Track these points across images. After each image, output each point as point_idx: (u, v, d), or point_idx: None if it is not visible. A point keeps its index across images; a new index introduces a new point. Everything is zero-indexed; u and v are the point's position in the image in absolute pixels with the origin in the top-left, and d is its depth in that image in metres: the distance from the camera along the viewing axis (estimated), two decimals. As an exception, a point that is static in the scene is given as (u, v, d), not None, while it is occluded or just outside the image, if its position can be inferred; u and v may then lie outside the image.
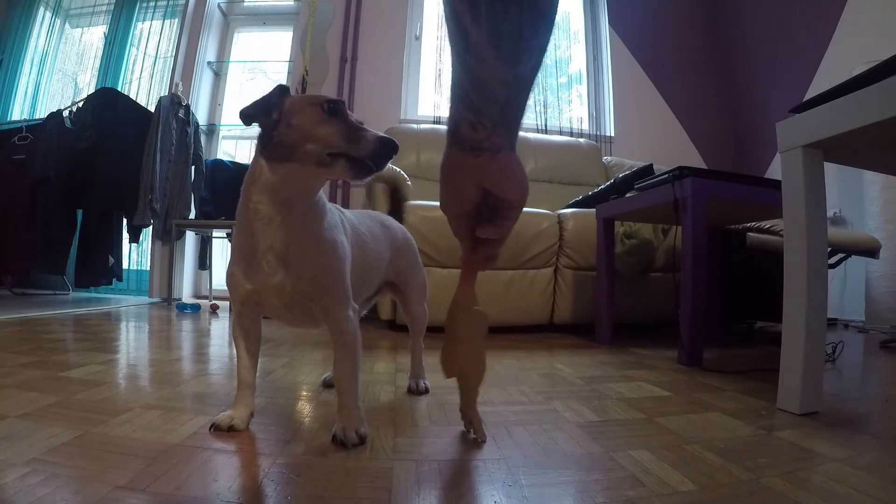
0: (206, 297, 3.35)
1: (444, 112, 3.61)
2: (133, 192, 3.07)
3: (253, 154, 0.68)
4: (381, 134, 0.61)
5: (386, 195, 2.24)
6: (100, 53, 3.81)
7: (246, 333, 0.75)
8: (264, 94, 0.65)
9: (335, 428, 0.68)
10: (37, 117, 3.51)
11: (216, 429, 0.70)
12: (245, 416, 0.73)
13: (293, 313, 0.72)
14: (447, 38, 0.42)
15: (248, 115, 0.65)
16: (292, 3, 3.82)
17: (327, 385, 1.01)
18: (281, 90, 0.66)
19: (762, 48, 3.54)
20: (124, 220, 3.31)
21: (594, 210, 1.95)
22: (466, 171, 0.46)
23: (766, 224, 1.89)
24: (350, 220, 0.81)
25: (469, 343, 0.63)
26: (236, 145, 3.89)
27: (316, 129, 0.61)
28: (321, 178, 0.65)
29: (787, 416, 0.88)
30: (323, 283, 0.68)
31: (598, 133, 3.59)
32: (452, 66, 0.43)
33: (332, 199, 3.40)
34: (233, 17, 3.92)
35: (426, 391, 0.99)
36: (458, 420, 0.74)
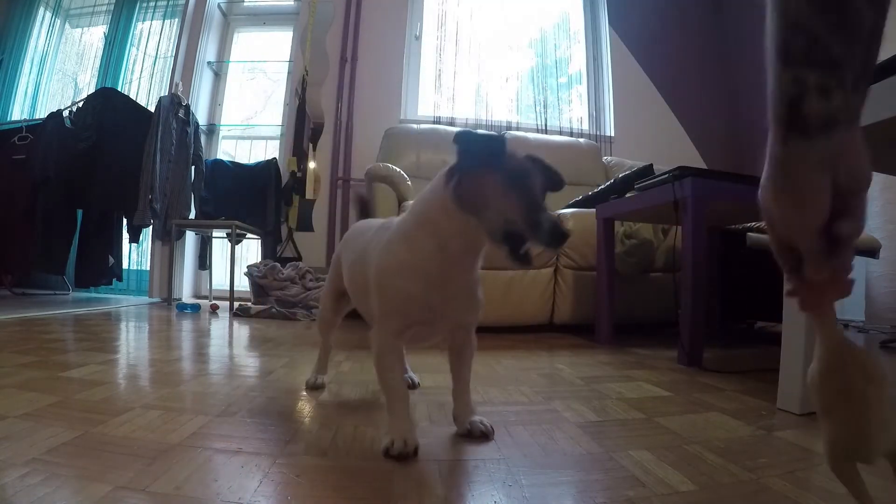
0: (206, 297, 3.35)
1: (445, 112, 3.68)
2: (133, 192, 3.07)
3: (440, 181, 0.66)
4: (557, 220, 0.59)
5: (386, 195, 2.25)
6: (100, 53, 3.81)
7: (402, 356, 0.78)
8: (489, 134, 0.65)
9: (468, 422, 0.73)
10: (37, 117, 3.51)
11: (399, 456, 0.62)
12: (414, 433, 0.67)
13: (437, 336, 0.77)
14: None
15: (465, 141, 0.63)
16: (292, 3, 3.82)
17: (316, 387, 1.00)
18: (502, 140, 0.63)
19: (763, 48, 3.53)
20: (124, 220, 3.31)
21: (594, 210, 1.95)
22: (814, 164, 0.34)
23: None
24: None
25: (883, 387, 0.40)
26: (236, 145, 3.89)
27: (498, 199, 0.59)
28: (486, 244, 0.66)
29: (787, 416, 0.88)
30: (480, 310, 0.74)
31: (598, 133, 3.59)
32: (778, 10, 0.32)
33: (333, 198, 3.40)
34: (233, 17, 3.92)
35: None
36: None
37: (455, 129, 2.40)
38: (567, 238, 0.59)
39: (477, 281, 0.72)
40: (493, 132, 0.66)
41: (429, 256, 0.66)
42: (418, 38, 3.66)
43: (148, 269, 3.42)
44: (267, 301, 2.63)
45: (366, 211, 1.11)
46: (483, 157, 0.62)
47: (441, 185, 0.65)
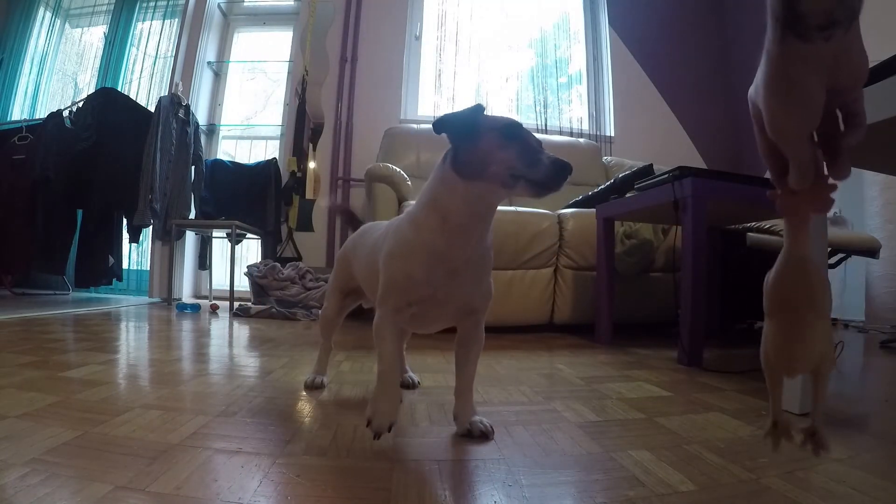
0: (206, 297, 3.35)
1: (445, 112, 3.62)
2: (133, 192, 3.07)
3: (439, 164, 0.70)
4: (556, 157, 0.63)
5: (386, 195, 2.25)
6: (100, 53, 3.82)
7: (401, 333, 0.77)
8: (464, 109, 0.68)
9: (468, 422, 0.73)
10: (37, 117, 3.51)
11: (376, 435, 0.67)
12: (397, 410, 0.71)
13: (442, 320, 0.76)
14: None
15: (442, 124, 0.67)
16: (292, 3, 3.82)
17: (316, 387, 1.00)
18: (478, 110, 0.68)
19: (763, 48, 3.53)
20: (124, 220, 3.31)
21: (594, 210, 1.95)
22: (812, 66, 0.33)
23: (766, 224, 1.88)
24: None
25: (824, 317, 0.43)
26: (236, 145, 3.89)
27: (498, 153, 0.63)
28: (504, 196, 0.68)
29: (787, 416, 0.87)
30: (488, 301, 0.75)
31: (598, 133, 3.59)
32: None
33: (333, 196, 3.40)
34: (233, 17, 3.92)
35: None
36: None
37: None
38: (569, 170, 0.62)
39: (486, 266, 0.72)
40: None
41: (432, 233, 0.67)
42: (418, 38, 3.66)
43: (148, 269, 3.42)
44: (267, 301, 2.63)
45: (353, 220, 1.10)
46: (468, 127, 0.66)
47: (439, 165, 0.69)
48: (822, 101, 0.34)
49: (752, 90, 0.37)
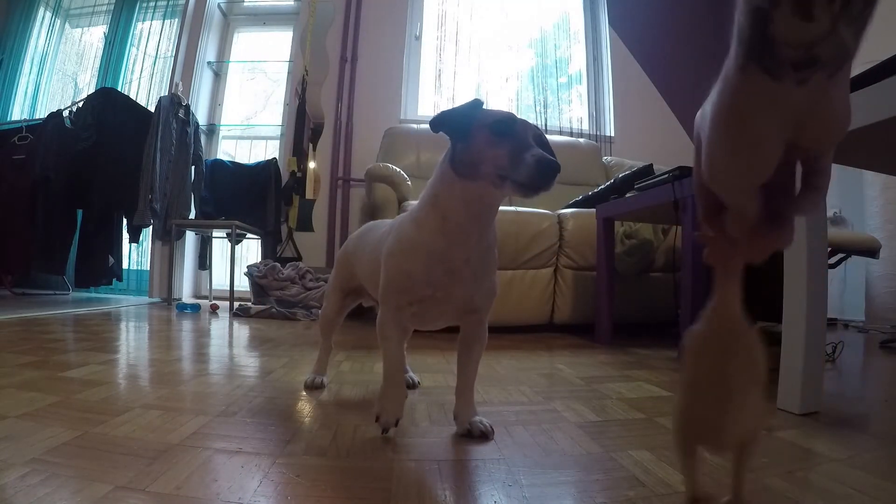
0: (206, 297, 3.35)
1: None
2: (133, 192, 3.07)
3: (440, 161, 0.69)
4: (543, 154, 0.59)
5: (386, 195, 2.25)
6: (100, 53, 3.81)
7: (404, 331, 0.77)
8: (462, 105, 0.65)
9: (468, 422, 0.73)
10: (37, 117, 3.51)
11: (384, 430, 0.71)
12: (401, 404, 0.73)
13: (444, 318, 0.76)
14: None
15: (438, 122, 0.65)
16: (292, 3, 3.82)
17: (315, 387, 1.00)
18: (475, 105, 0.65)
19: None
20: (124, 220, 3.31)
21: (594, 210, 1.95)
22: (776, 111, 0.25)
23: (766, 224, 1.88)
24: None
25: (757, 386, 0.36)
26: (236, 145, 3.89)
27: (487, 151, 0.61)
28: (500, 196, 0.65)
29: (787, 416, 0.88)
30: (492, 299, 0.74)
31: (598, 133, 3.59)
32: None
33: (333, 196, 3.40)
34: (233, 17, 3.92)
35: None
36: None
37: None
38: (554, 169, 0.58)
39: (488, 265, 0.72)
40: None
41: (432, 232, 0.67)
42: (418, 38, 3.66)
43: (148, 269, 3.42)
44: (267, 301, 2.63)
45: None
46: (464, 124, 0.64)
47: (440, 163, 0.68)
48: (777, 154, 0.27)
49: (699, 115, 0.31)
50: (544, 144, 0.64)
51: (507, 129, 0.62)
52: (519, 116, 0.65)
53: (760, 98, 0.25)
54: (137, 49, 3.77)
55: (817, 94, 0.25)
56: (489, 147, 0.61)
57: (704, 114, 0.30)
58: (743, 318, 0.35)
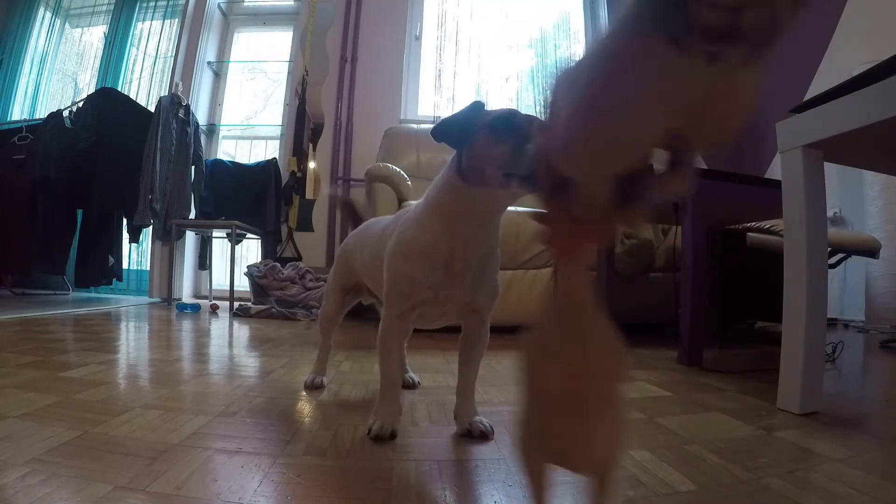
0: (206, 297, 3.35)
1: (445, 112, 3.67)
2: (133, 192, 3.07)
3: (446, 167, 0.66)
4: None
5: (386, 195, 2.25)
6: (100, 53, 3.81)
7: (405, 333, 0.77)
8: (462, 109, 0.62)
9: (468, 422, 0.73)
10: (37, 117, 3.51)
11: (377, 438, 0.69)
12: (398, 420, 0.74)
13: (445, 317, 0.76)
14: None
15: (438, 131, 0.63)
16: (292, 3, 3.82)
17: (315, 387, 1.00)
18: (476, 108, 0.62)
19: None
20: (124, 220, 3.31)
21: (594, 210, 1.95)
22: (667, 89, 0.20)
23: (766, 224, 1.88)
24: None
25: (615, 401, 0.30)
26: (236, 145, 3.89)
27: (489, 152, 0.57)
28: (508, 199, 0.63)
29: (787, 416, 0.88)
30: (494, 299, 0.73)
31: (598, 133, 3.59)
32: None
33: (333, 198, 3.40)
34: (233, 17, 3.92)
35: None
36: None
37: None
38: None
39: (491, 265, 0.71)
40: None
41: (436, 235, 0.67)
42: (418, 38, 3.66)
43: (148, 269, 3.42)
44: (267, 301, 2.63)
45: (354, 215, 1.10)
46: (465, 130, 0.61)
47: (446, 169, 0.67)
48: (655, 144, 0.23)
49: (565, 76, 0.24)
50: None
51: (508, 124, 0.57)
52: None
53: (655, 73, 0.19)
54: (137, 49, 3.77)
55: (726, 81, 0.19)
56: (490, 147, 0.57)
57: (573, 78, 0.23)
58: (596, 311, 0.29)
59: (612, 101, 0.21)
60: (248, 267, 2.79)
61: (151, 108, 3.23)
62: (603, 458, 0.29)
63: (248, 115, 3.95)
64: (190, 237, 3.49)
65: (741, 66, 0.18)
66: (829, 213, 2.70)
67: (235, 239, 2.92)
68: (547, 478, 0.31)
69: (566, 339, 0.29)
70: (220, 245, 3.59)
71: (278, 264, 2.76)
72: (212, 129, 3.78)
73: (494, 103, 3.02)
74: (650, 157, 0.24)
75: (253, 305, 2.60)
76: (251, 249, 3.65)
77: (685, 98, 0.20)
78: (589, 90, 0.22)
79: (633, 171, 0.25)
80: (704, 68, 0.18)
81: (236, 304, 2.67)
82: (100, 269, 3.25)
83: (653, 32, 0.18)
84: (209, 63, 3.72)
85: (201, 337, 1.78)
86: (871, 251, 2.01)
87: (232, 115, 3.88)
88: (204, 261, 3.58)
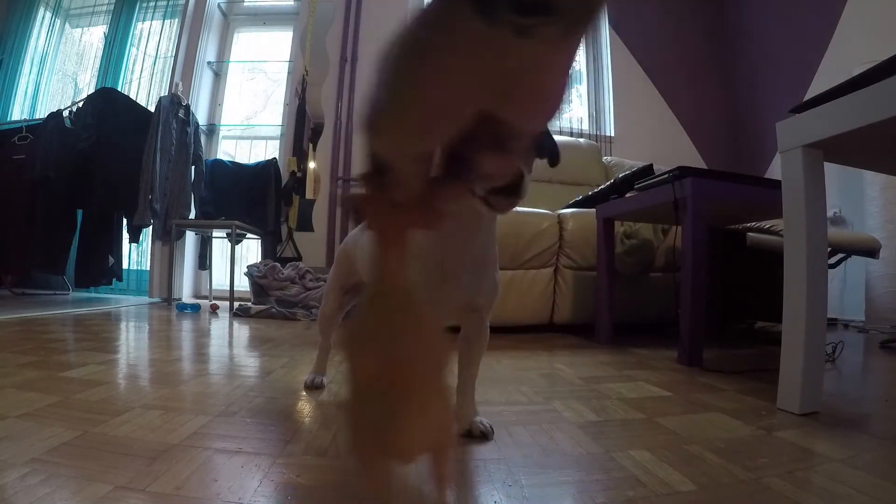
0: (206, 297, 3.35)
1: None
2: (133, 192, 3.07)
3: None
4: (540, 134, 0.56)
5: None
6: (100, 53, 3.81)
7: None
8: None
9: (468, 422, 0.72)
10: (37, 117, 3.51)
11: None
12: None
13: (444, 318, 0.75)
14: None
15: None
16: (292, 3, 3.82)
17: (315, 387, 1.00)
18: None
19: (762, 48, 3.54)
20: (124, 220, 3.31)
21: (594, 210, 1.95)
22: (480, 66, 0.18)
23: (766, 224, 1.88)
24: None
25: (440, 388, 0.29)
26: (236, 145, 3.89)
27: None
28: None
29: (787, 416, 0.88)
30: (493, 298, 0.73)
31: (598, 133, 3.59)
32: None
33: (333, 198, 3.40)
34: (233, 17, 3.92)
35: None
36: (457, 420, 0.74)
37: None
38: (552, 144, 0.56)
39: (489, 263, 0.71)
40: None
41: (427, 236, 0.66)
42: (418, 38, 3.66)
43: (148, 269, 3.42)
44: (267, 301, 2.63)
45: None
46: None
47: None
48: (463, 124, 0.21)
49: (385, 46, 0.22)
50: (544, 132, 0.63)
51: None
52: None
53: (463, 46, 0.18)
54: (137, 49, 3.77)
55: (537, 58, 0.18)
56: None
57: (387, 50, 0.21)
58: (414, 297, 0.28)
59: (419, 74, 0.19)
60: (248, 267, 2.79)
61: (151, 108, 3.22)
62: (434, 441, 0.29)
63: (248, 115, 3.95)
64: (190, 237, 3.49)
65: (554, 42, 0.17)
66: (829, 213, 2.70)
67: (235, 239, 2.92)
68: (387, 471, 0.30)
69: (382, 327, 0.28)
70: (220, 245, 3.59)
71: (278, 264, 2.76)
72: (212, 129, 3.78)
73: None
74: (465, 139, 0.23)
75: (253, 305, 2.60)
76: (251, 249, 3.65)
77: (494, 74, 0.18)
78: (391, 59, 0.20)
79: (452, 155, 0.24)
80: (513, 42, 0.17)
81: (236, 304, 2.67)
82: (100, 269, 3.25)
83: (462, 2, 0.17)
84: (209, 63, 3.72)
85: (201, 337, 1.78)
86: (870, 251, 2.01)
87: (232, 115, 3.88)
88: (204, 261, 3.58)
